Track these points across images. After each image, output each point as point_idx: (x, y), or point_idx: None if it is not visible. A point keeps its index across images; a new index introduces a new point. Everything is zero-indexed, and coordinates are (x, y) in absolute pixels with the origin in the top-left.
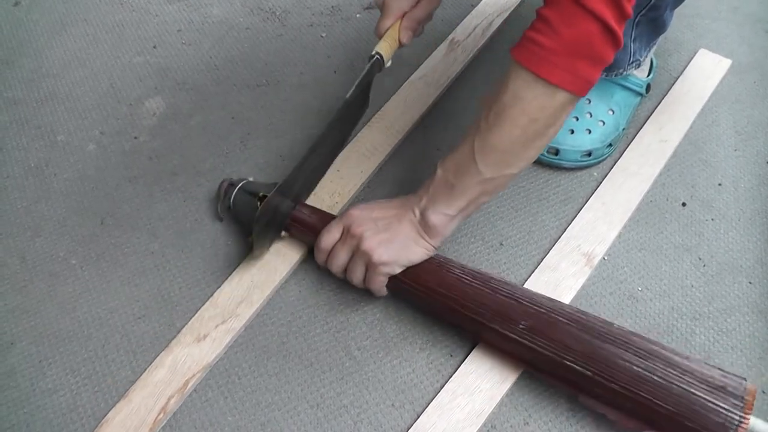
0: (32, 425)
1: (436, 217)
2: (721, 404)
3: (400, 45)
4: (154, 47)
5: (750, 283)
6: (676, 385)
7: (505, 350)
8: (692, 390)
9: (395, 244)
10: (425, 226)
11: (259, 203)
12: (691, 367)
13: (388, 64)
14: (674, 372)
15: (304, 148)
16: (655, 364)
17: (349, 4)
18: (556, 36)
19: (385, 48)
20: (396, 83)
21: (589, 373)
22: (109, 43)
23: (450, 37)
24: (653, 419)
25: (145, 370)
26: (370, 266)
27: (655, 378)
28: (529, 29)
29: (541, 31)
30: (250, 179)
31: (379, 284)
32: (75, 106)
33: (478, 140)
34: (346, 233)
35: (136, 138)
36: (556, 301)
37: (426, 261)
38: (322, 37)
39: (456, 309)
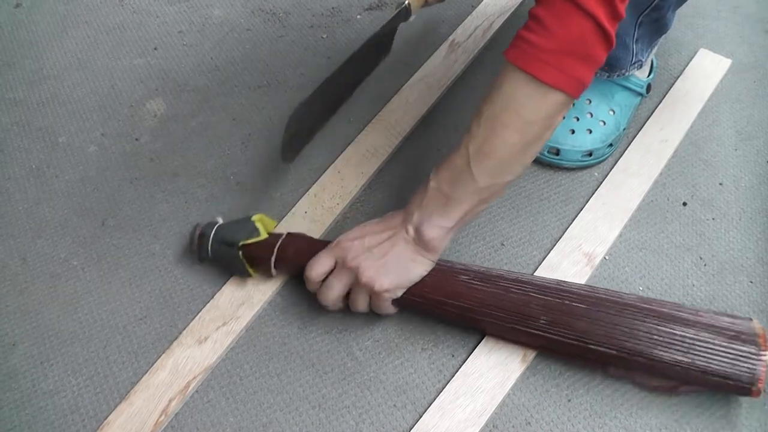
0: (34, 426)
1: (432, 231)
2: (741, 352)
3: (427, 3)
4: (155, 49)
5: (751, 282)
6: (697, 345)
7: (524, 343)
8: (711, 346)
9: (393, 267)
10: (421, 242)
11: (239, 252)
12: (704, 324)
13: (413, 17)
14: (691, 332)
15: (305, 150)
16: (672, 329)
17: (349, 5)
18: (549, 35)
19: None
20: (397, 84)
21: (613, 351)
22: (110, 44)
23: (450, 38)
24: (681, 378)
25: (146, 372)
26: (373, 295)
27: (675, 342)
28: (522, 29)
29: (533, 30)
30: (219, 220)
31: (386, 309)
32: (76, 108)
33: (473, 147)
34: (341, 266)
35: (137, 139)
36: (564, 284)
37: (429, 275)
38: (322, 38)
39: (470, 316)
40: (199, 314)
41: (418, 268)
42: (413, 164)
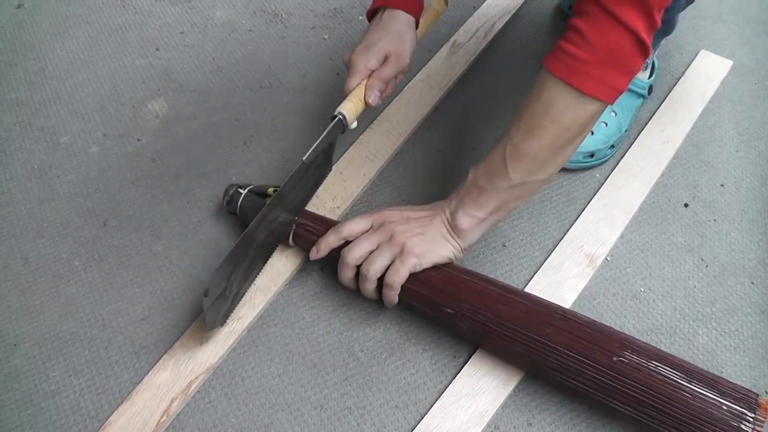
0: (35, 427)
1: (464, 219)
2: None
3: (367, 106)
4: (157, 49)
5: (752, 283)
6: (687, 423)
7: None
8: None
9: (428, 238)
10: (454, 227)
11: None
12: (700, 407)
13: (353, 125)
14: (686, 393)
15: (307, 151)
16: (667, 395)
17: (351, 6)
18: (590, 47)
19: (349, 108)
20: (398, 86)
21: (601, 398)
22: (112, 45)
23: (452, 39)
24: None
25: (148, 372)
26: (399, 256)
27: (665, 413)
28: (562, 39)
29: (574, 42)
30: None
31: (401, 278)
32: (78, 108)
33: (510, 147)
34: (378, 226)
35: (138, 140)
36: (551, 327)
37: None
38: (324, 39)
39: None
40: (201, 315)
41: (447, 247)
42: (415, 165)
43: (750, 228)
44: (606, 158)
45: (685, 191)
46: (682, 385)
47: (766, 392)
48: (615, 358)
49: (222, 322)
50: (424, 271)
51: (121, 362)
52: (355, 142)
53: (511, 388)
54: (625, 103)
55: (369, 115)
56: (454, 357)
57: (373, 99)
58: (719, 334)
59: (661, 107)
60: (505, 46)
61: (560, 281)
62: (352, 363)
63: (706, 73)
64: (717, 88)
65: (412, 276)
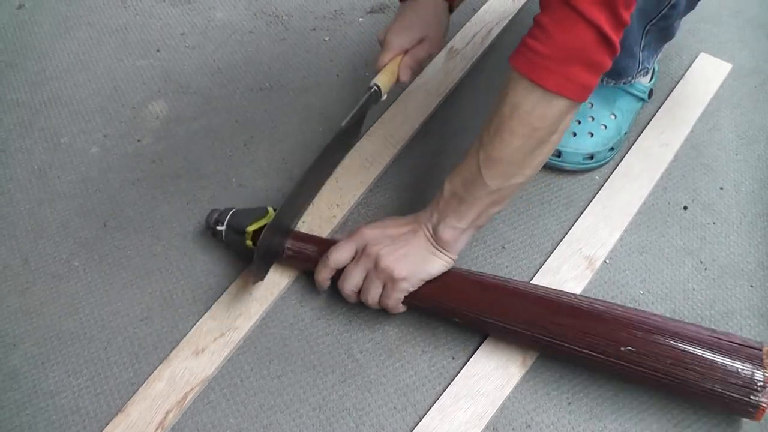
0: (34, 427)
1: (447, 232)
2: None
3: (398, 81)
4: (158, 51)
5: (751, 286)
6: (697, 387)
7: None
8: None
9: (413, 257)
10: (439, 241)
11: (248, 241)
12: (712, 363)
13: (384, 97)
14: (696, 368)
15: (307, 152)
16: (678, 368)
17: (351, 8)
18: (552, 42)
19: (383, 81)
20: (395, 92)
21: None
22: (113, 46)
23: (449, 45)
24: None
25: (144, 382)
26: (389, 283)
27: (679, 389)
28: (526, 35)
29: (536, 38)
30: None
31: (397, 301)
32: (78, 109)
33: (482, 153)
34: (361, 253)
35: (139, 141)
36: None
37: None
38: (325, 41)
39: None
40: (197, 325)
41: (436, 263)
42: (412, 173)
43: (749, 231)
44: (605, 160)
45: (684, 194)
46: (693, 363)
47: None
48: (623, 348)
49: (263, 277)
50: (423, 285)
51: (120, 363)
52: (351, 150)
53: (509, 390)
54: (625, 106)
55: (366, 121)
56: (453, 358)
57: (408, 77)
58: None
59: (660, 110)
60: (503, 51)
61: (559, 283)
62: (351, 364)
63: (706, 76)
64: (716, 91)
65: (413, 293)
